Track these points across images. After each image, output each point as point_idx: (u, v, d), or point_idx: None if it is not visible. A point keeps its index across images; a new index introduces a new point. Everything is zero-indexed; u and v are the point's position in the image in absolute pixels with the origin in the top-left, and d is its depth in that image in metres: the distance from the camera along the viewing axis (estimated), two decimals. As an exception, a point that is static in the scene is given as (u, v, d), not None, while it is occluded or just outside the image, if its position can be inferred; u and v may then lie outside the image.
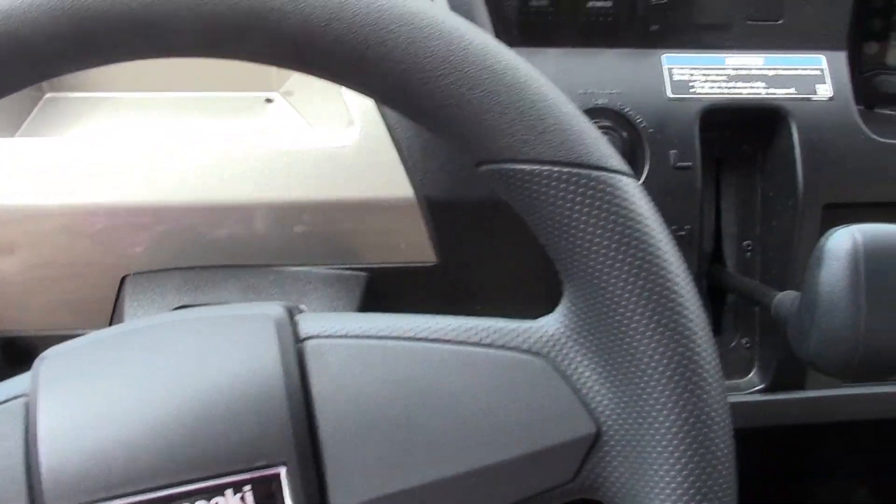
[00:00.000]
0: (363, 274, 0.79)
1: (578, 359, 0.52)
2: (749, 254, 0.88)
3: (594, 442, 0.52)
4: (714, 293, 0.89)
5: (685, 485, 0.50)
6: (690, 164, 0.80)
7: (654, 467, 0.51)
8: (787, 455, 1.18)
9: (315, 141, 0.76)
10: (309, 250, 0.77)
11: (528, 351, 0.53)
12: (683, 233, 0.81)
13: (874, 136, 0.83)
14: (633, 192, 0.51)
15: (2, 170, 0.72)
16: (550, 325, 0.53)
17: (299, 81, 0.85)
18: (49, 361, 0.51)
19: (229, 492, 0.49)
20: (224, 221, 0.75)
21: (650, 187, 0.79)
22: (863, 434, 1.11)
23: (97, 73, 0.85)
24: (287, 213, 0.75)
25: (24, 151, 0.73)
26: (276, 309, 0.53)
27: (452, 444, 0.51)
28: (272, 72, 0.86)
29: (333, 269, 0.78)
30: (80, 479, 0.48)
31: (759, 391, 0.88)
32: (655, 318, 0.50)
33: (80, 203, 0.73)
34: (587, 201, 0.50)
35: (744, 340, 0.89)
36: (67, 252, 0.75)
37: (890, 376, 0.66)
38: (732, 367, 0.89)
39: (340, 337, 0.53)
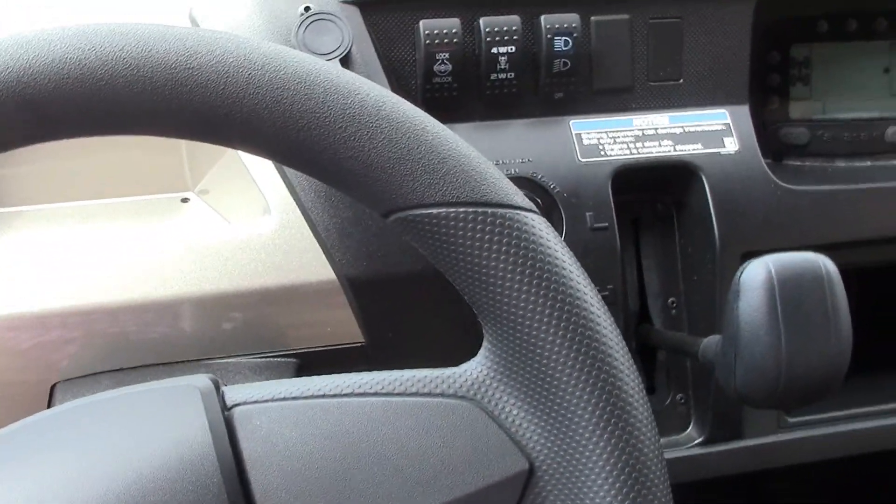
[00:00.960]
0: (293, 360, 0.78)
1: (504, 398, 0.52)
2: (675, 310, 0.89)
3: (528, 478, 0.52)
4: (644, 352, 0.89)
5: None
6: (607, 224, 0.81)
7: (591, 498, 0.50)
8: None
9: (232, 233, 0.76)
10: (236, 341, 0.77)
11: (453, 396, 0.52)
12: (607, 293, 0.81)
13: (783, 184, 0.85)
14: (540, 226, 0.51)
15: None
16: (473, 368, 0.53)
17: (214, 179, 0.85)
18: None
19: None
20: (149, 320, 0.74)
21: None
22: (805, 477, 1.11)
23: None
24: (210, 306, 0.75)
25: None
26: (200, 380, 0.53)
27: (387, 494, 0.51)
28: (186, 171, 0.87)
29: (263, 357, 0.78)
30: None
31: (698, 444, 0.88)
32: (574, 347, 0.50)
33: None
34: (495, 238, 0.50)
35: (678, 396, 0.89)
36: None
37: (814, 401, 0.66)
38: (669, 423, 0.89)
39: (267, 401, 0.52)
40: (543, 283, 0.50)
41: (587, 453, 0.50)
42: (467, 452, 0.52)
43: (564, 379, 0.50)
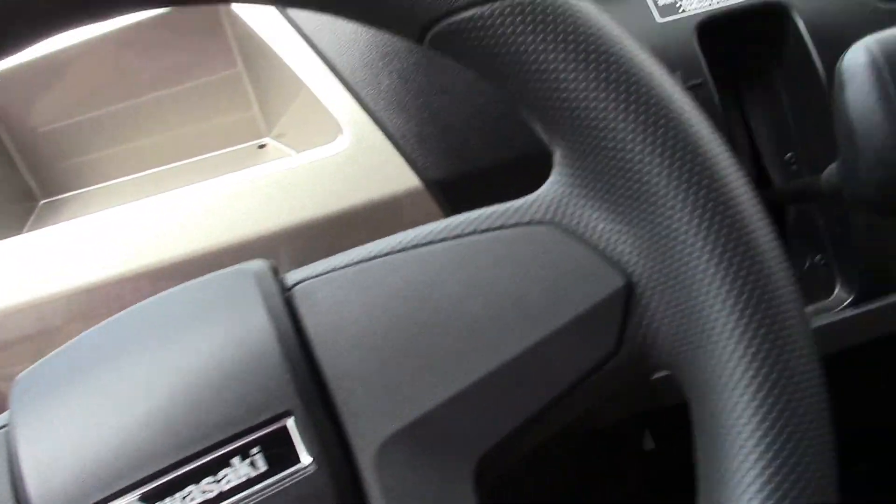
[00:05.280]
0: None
1: (587, 213, 0.46)
2: (795, 166, 0.82)
3: (628, 296, 0.45)
4: (771, 216, 0.83)
5: (753, 334, 0.43)
6: (700, 80, 0.75)
7: (706, 316, 0.44)
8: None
9: (309, 161, 0.73)
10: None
11: (529, 223, 0.47)
12: (715, 153, 0.75)
13: (885, 5, 0.78)
14: (591, 9, 0.46)
15: (13, 268, 0.70)
16: (548, 189, 0.48)
17: (290, 120, 0.83)
18: (21, 383, 0.47)
19: (236, 459, 0.44)
20: (241, 259, 0.72)
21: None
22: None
23: (87, 168, 0.84)
24: (302, 236, 0.72)
25: (30, 245, 0.71)
26: (255, 264, 0.49)
27: (471, 343, 0.45)
28: (259, 120, 0.84)
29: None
30: (69, 489, 0.43)
31: (849, 306, 0.80)
32: (659, 139, 0.44)
33: (97, 279, 0.70)
34: (539, 28, 0.44)
35: (818, 258, 0.82)
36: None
37: None
38: (813, 288, 0.82)
39: (328, 273, 0.48)
40: (609, 68, 0.44)
41: (693, 262, 0.43)
42: (553, 280, 0.46)
43: (655, 181, 0.44)
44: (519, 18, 0.45)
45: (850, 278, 0.81)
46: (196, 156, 0.84)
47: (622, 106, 0.44)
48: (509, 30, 0.45)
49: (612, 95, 0.44)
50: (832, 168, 0.65)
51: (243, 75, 0.84)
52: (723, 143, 0.45)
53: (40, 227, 0.74)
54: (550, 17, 0.45)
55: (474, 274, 0.46)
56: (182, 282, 0.70)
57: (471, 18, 0.45)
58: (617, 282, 0.46)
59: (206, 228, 0.71)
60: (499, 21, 0.45)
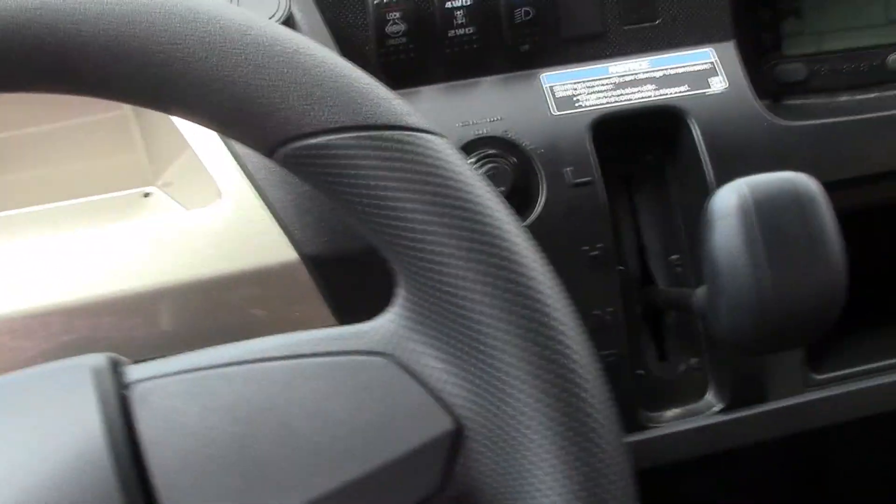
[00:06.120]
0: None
1: (422, 351, 0.46)
2: (679, 268, 0.82)
3: (455, 439, 0.46)
4: (650, 317, 0.83)
5: (572, 483, 0.43)
6: (589, 178, 0.75)
7: (530, 464, 0.44)
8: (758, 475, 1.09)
9: (187, 222, 0.71)
10: (199, 333, 0.72)
11: (365, 352, 0.47)
12: (597, 252, 0.75)
13: (778, 121, 0.79)
14: (439, 147, 0.45)
15: None
16: (388, 319, 0.48)
17: (178, 170, 0.81)
18: None
19: None
20: (105, 319, 0.70)
21: (551, 209, 0.74)
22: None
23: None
24: (169, 299, 0.70)
25: None
26: (94, 358, 0.48)
27: (298, 468, 0.45)
28: (146, 166, 0.83)
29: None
30: None
31: (719, 412, 0.81)
32: (494, 284, 0.44)
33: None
34: (385, 164, 0.44)
35: (692, 361, 0.82)
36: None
37: (812, 339, 0.60)
38: (686, 391, 0.82)
39: (166, 376, 0.47)
40: (451, 211, 0.44)
41: (520, 416, 0.44)
42: (382, 414, 0.46)
43: (486, 329, 0.44)
44: (364, 152, 0.45)
45: (722, 385, 0.81)
46: (79, 195, 0.82)
47: (461, 251, 0.44)
48: (353, 161, 0.45)
49: (453, 240, 0.45)
50: (703, 289, 0.65)
51: (130, 118, 0.82)
52: (562, 291, 0.46)
53: None
54: (398, 154, 0.45)
55: (309, 398, 0.46)
56: (55, 329, 0.68)
57: (317, 145, 0.45)
58: (446, 424, 0.46)
59: (83, 278, 0.69)
60: (343, 151, 0.45)
